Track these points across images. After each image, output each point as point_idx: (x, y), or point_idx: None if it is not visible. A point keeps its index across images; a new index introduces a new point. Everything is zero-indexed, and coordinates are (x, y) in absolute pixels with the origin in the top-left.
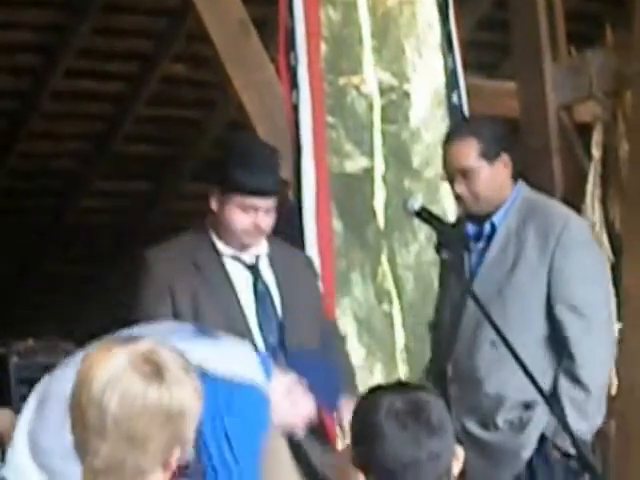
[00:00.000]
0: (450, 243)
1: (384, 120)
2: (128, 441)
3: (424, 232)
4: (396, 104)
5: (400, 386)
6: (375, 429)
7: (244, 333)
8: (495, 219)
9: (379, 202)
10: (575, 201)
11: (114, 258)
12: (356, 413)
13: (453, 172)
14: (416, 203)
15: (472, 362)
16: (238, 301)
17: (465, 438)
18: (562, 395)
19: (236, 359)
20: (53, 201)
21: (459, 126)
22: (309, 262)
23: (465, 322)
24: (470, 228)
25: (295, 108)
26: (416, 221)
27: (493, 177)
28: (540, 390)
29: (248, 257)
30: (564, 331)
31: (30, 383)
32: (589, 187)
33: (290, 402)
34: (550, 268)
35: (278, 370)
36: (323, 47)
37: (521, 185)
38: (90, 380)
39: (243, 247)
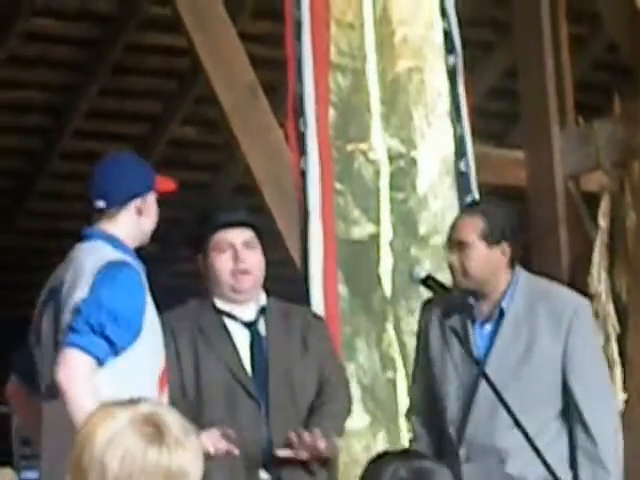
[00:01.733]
0: (454, 312)
1: (391, 187)
2: None
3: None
4: (404, 171)
5: (405, 454)
6: None
7: (244, 382)
8: (503, 304)
9: (385, 269)
10: (581, 271)
11: None
12: (362, 479)
13: (452, 242)
14: (422, 271)
15: (492, 443)
16: (237, 354)
17: None
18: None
19: None
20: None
21: (473, 204)
22: (308, 313)
23: (480, 402)
24: (475, 305)
25: (303, 174)
26: (422, 289)
27: (487, 260)
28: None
29: (248, 313)
30: (578, 403)
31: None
32: (596, 257)
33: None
34: (564, 350)
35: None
36: (332, 113)
37: (520, 270)
38: (91, 440)
39: (239, 298)
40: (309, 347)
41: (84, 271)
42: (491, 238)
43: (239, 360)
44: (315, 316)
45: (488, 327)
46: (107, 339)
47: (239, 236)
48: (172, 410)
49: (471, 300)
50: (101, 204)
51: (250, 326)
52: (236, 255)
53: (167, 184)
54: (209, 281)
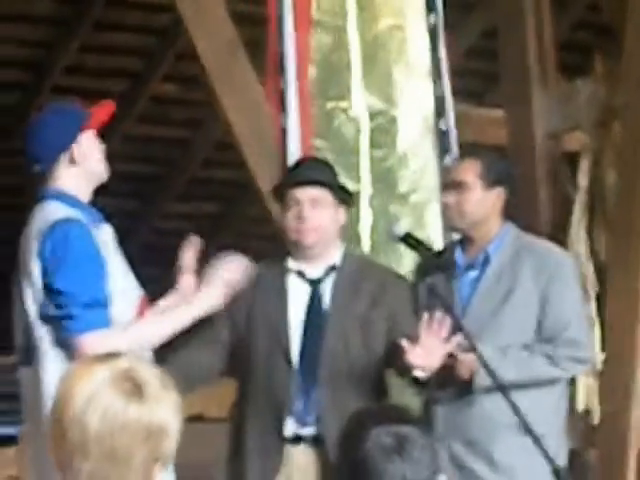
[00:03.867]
0: (435, 269)
1: (371, 145)
2: (110, 458)
3: (409, 258)
4: (384, 129)
5: (386, 414)
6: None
7: (283, 343)
8: (489, 249)
9: (365, 226)
10: (561, 230)
11: None
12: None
13: (448, 183)
14: (401, 228)
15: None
16: (286, 313)
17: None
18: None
19: None
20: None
21: (470, 149)
22: (389, 274)
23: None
24: (460, 257)
25: (283, 131)
26: (401, 247)
27: (483, 201)
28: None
29: (315, 271)
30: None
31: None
32: (575, 216)
33: None
34: (544, 296)
35: None
36: (312, 71)
37: (510, 225)
38: (71, 398)
39: (304, 254)
40: (378, 305)
41: (32, 235)
42: (488, 180)
43: (284, 319)
44: (397, 276)
45: (472, 274)
46: (101, 306)
47: (303, 195)
48: (151, 364)
49: (455, 250)
50: (37, 168)
51: (313, 284)
52: (300, 213)
53: (102, 111)
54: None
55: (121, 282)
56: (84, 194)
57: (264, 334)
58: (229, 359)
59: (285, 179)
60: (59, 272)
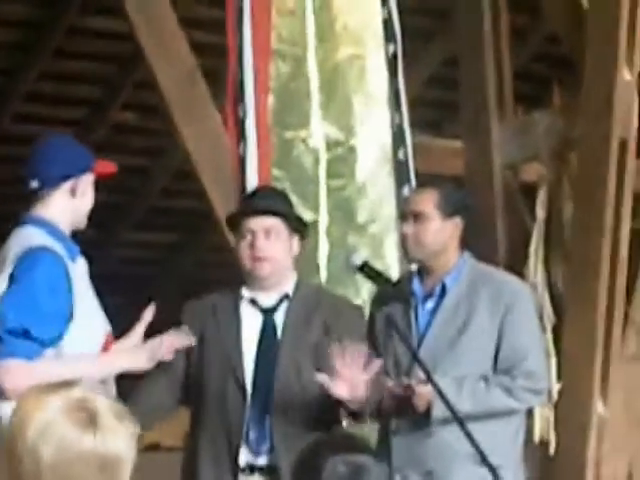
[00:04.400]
0: (392, 299)
1: (329, 174)
2: None
3: (366, 288)
4: (342, 159)
5: (342, 444)
6: None
7: (237, 372)
8: (446, 280)
9: (322, 256)
10: (518, 261)
11: None
12: (301, 469)
13: (406, 213)
14: (358, 258)
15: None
16: (239, 342)
17: None
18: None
19: None
20: None
21: (427, 180)
22: (343, 302)
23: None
24: (417, 287)
25: (242, 160)
26: (359, 277)
27: (441, 231)
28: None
29: (268, 300)
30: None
31: None
32: (532, 247)
33: None
34: (501, 327)
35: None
36: (271, 100)
37: (467, 254)
38: (24, 429)
39: (259, 284)
40: (331, 332)
41: (6, 259)
42: (446, 210)
43: (238, 347)
44: (350, 305)
45: (430, 304)
46: (34, 339)
47: (260, 224)
48: (104, 394)
49: (413, 280)
50: (34, 184)
51: (266, 312)
52: (253, 242)
53: (105, 166)
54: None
55: (89, 319)
56: (66, 228)
57: (217, 362)
58: (185, 388)
59: (239, 208)
60: (8, 294)
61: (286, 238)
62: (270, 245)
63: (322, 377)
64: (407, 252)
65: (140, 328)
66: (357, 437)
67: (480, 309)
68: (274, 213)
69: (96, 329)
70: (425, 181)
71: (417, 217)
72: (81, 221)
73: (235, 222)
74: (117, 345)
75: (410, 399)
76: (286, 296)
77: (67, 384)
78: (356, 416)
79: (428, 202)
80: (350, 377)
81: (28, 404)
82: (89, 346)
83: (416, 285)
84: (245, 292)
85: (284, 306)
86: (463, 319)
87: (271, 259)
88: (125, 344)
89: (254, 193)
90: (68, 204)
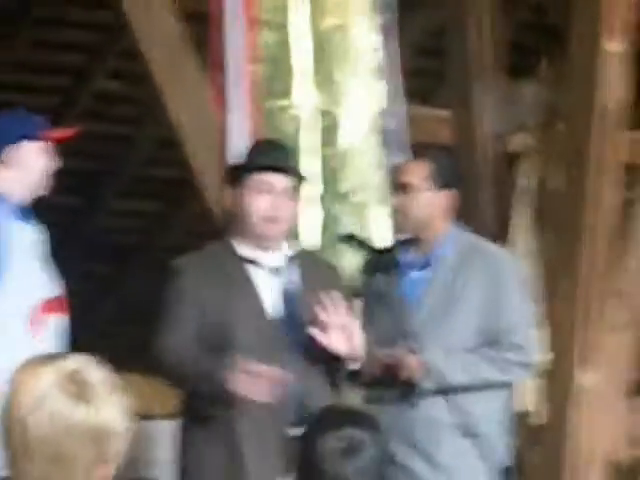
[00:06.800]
0: (380, 269)
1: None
2: (54, 461)
3: (347, 259)
4: (327, 128)
5: (339, 417)
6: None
7: (274, 341)
8: (437, 251)
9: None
10: (503, 230)
11: None
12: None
13: (397, 185)
14: (344, 228)
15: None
16: (262, 306)
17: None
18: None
19: None
20: None
21: (419, 150)
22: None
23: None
24: (407, 257)
25: (226, 129)
26: (343, 247)
27: (431, 203)
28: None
29: (273, 260)
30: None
31: None
32: (517, 217)
33: None
34: (488, 300)
35: None
36: (255, 69)
37: (457, 226)
38: (16, 402)
39: (262, 244)
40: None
41: None
42: (436, 182)
43: (263, 313)
44: (330, 266)
45: (420, 275)
46: None
47: (279, 183)
48: (98, 365)
49: (400, 250)
50: None
51: (276, 272)
52: (273, 201)
53: (63, 132)
54: (233, 218)
55: (18, 281)
56: (15, 196)
57: (245, 327)
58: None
59: (256, 160)
60: None
61: (297, 200)
62: (288, 205)
63: (316, 331)
64: (398, 224)
65: None
66: (358, 410)
67: (470, 281)
68: (295, 173)
69: (25, 292)
70: (416, 151)
71: (406, 189)
72: (33, 189)
73: (243, 175)
74: None
75: (398, 369)
76: (289, 257)
77: (61, 355)
78: (355, 376)
79: (417, 174)
80: (341, 324)
81: (21, 377)
82: (14, 306)
83: (406, 255)
84: (243, 251)
85: (292, 267)
86: (453, 291)
87: (287, 220)
88: None
89: (264, 146)
90: (6, 174)
